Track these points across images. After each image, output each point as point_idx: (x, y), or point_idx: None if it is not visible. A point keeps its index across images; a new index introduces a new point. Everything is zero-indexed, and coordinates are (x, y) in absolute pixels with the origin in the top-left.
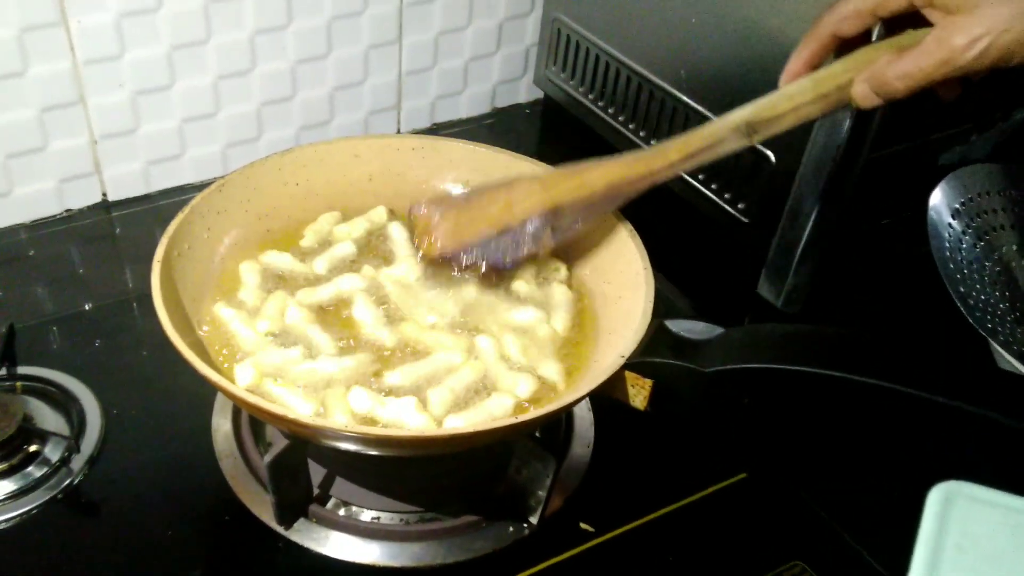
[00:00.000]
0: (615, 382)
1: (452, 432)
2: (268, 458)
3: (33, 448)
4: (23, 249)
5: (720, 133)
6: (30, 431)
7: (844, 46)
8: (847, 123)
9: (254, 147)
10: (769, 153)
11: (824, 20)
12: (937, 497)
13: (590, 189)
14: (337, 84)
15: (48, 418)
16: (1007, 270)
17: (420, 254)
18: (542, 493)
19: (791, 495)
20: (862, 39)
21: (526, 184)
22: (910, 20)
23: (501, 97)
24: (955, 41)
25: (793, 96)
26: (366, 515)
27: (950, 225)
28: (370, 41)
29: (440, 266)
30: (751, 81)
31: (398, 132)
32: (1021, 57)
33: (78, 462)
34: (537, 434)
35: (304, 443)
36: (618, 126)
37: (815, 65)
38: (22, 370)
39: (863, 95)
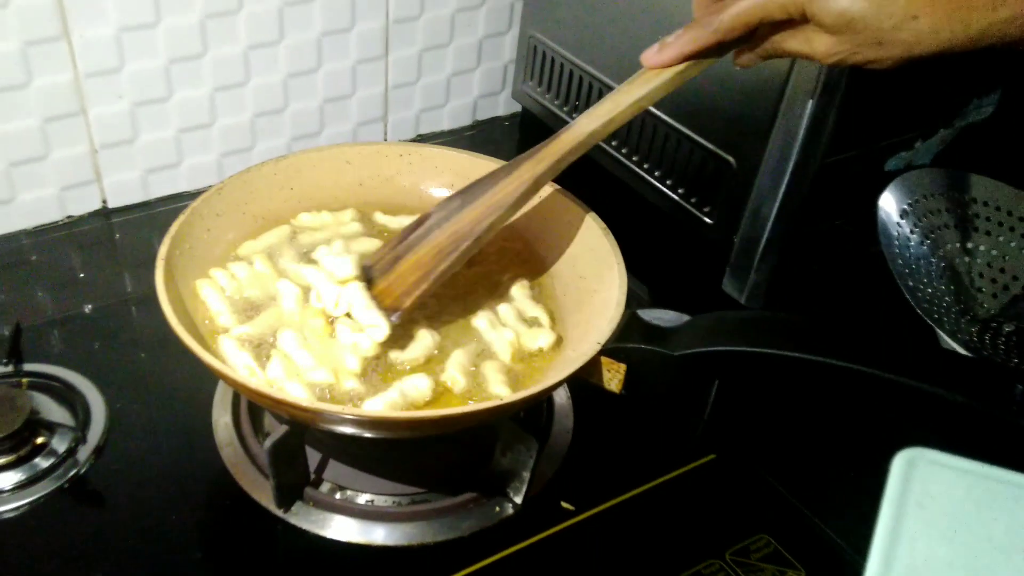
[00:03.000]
0: (592, 367)
1: (439, 414)
2: (268, 443)
3: (40, 440)
4: (26, 254)
5: (571, 143)
6: (37, 423)
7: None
8: (801, 130)
9: (248, 156)
10: (730, 159)
11: (711, 26)
12: (901, 461)
13: (501, 194)
14: (327, 97)
15: (54, 411)
16: (951, 266)
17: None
18: (526, 474)
19: (756, 474)
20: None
21: (440, 207)
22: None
23: (481, 110)
24: (818, 48)
25: (623, 110)
26: (360, 498)
27: (898, 225)
28: (358, 56)
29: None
30: (712, 94)
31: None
32: (868, 68)
33: (84, 453)
34: (520, 417)
35: (302, 428)
36: None
37: (688, 58)
38: (28, 367)
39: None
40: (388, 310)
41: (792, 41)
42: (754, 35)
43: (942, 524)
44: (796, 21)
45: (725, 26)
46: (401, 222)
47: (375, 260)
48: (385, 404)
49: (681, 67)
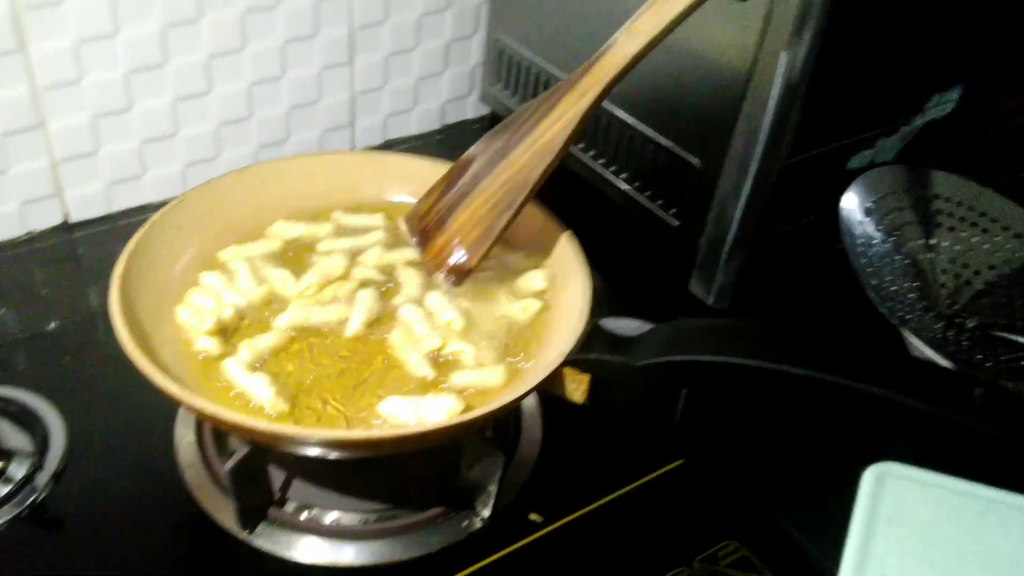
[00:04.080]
0: (555, 378)
1: (401, 433)
2: (229, 465)
3: None
4: None
5: (616, 72)
6: None
7: None
8: (763, 131)
9: (213, 165)
10: (694, 160)
11: None
12: (871, 476)
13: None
14: (292, 104)
15: (11, 437)
16: (915, 263)
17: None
18: (492, 488)
19: (724, 479)
20: None
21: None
22: None
23: (450, 114)
24: None
25: (665, 27)
26: (327, 516)
27: (861, 223)
28: (323, 63)
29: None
30: (674, 96)
31: (352, 148)
32: None
33: (42, 479)
34: (489, 432)
35: (264, 449)
36: None
37: None
38: None
39: None
40: (451, 271)
41: None
42: None
43: (912, 540)
44: None
45: None
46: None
47: (423, 211)
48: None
49: None
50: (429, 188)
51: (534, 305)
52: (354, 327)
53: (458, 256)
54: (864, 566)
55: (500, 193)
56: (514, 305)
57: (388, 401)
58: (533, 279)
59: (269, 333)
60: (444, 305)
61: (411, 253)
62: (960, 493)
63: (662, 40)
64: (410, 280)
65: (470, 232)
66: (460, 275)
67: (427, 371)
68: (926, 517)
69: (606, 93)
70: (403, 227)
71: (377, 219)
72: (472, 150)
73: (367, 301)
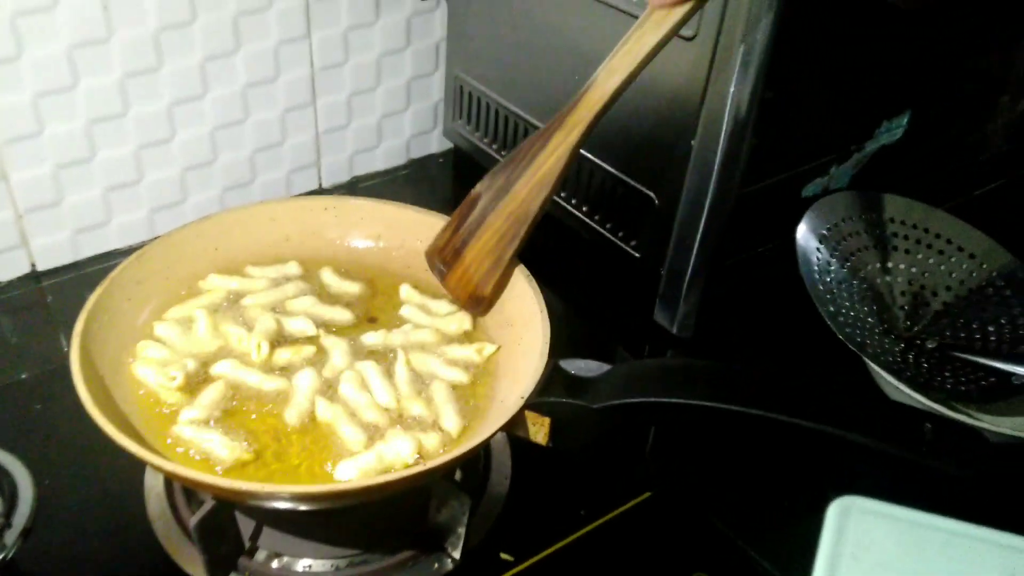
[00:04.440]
0: (517, 421)
1: (364, 484)
2: (195, 520)
3: None
4: None
5: (599, 108)
6: None
7: None
8: (716, 164)
9: (180, 210)
10: (651, 195)
11: None
12: (835, 511)
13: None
14: (257, 146)
15: None
16: (872, 286)
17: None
18: (461, 530)
19: (692, 510)
20: None
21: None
22: None
23: (415, 149)
24: None
25: (641, 61)
26: (298, 564)
27: (817, 250)
28: (285, 105)
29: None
30: (627, 130)
31: (319, 187)
32: None
33: (10, 536)
34: (458, 474)
35: (231, 503)
36: None
37: None
38: None
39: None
40: (470, 299)
41: None
42: None
43: (876, 574)
44: None
45: None
46: (341, 283)
47: (441, 245)
48: (359, 470)
49: (688, 5)
50: (445, 223)
51: (469, 365)
52: (291, 420)
53: (474, 286)
54: None
55: (506, 226)
56: (448, 371)
57: (341, 467)
58: (459, 321)
59: (213, 385)
60: (380, 386)
61: (337, 311)
62: (924, 526)
63: (638, 75)
64: (336, 347)
65: (482, 263)
66: (478, 304)
67: (362, 437)
68: (890, 550)
69: (592, 127)
70: (426, 261)
71: (293, 267)
72: (478, 187)
73: (307, 389)
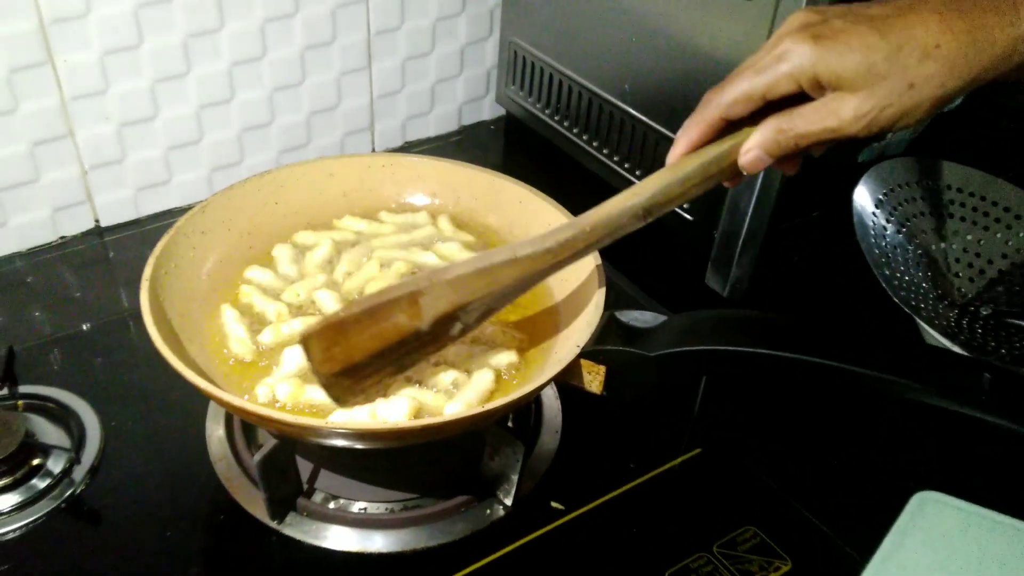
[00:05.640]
0: (572, 370)
1: (424, 423)
2: (258, 457)
3: (36, 462)
4: (21, 276)
5: (621, 220)
6: (32, 446)
7: (729, 127)
8: None
9: (237, 171)
10: None
11: (713, 103)
12: (916, 502)
13: (501, 284)
14: (312, 109)
15: (49, 433)
16: (927, 253)
17: (317, 376)
18: (514, 476)
19: (742, 467)
20: (748, 122)
21: (435, 287)
22: (796, 102)
23: (467, 115)
24: (844, 114)
25: (684, 181)
26: (354, 506)
27: (874, 215)
28: (341, 68)
29: (343, 383)
30: (683, 93)
31: (372, 151)
32: (902, 125)
33: (79, 473)
34: (509, 423)
35: (292, 441)
36: (573, 138)
37: (701, 145)
38: (23, 389)
39: (754, 160)
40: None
41: (811, 118)
42: (761, 115)
43: (937, 556)
44: (806, 97)
45: (727, 100)
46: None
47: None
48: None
49: (704, 158)
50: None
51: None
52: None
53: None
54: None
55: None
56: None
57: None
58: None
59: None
60: None
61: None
62: (997, 523)
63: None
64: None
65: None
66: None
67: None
68: (956, 538)
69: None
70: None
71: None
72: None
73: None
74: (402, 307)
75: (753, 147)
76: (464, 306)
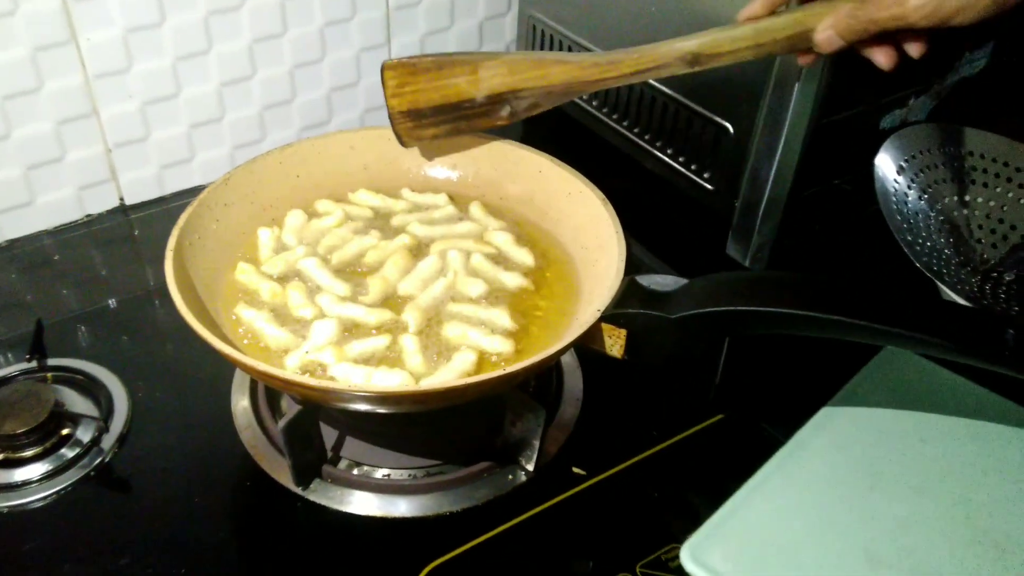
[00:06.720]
0: (593, 333)
1: (445, 386)
2: (282, 423)
3: (65, 431)
4: (48, 254)
5: (668, 58)
6: (62, 415)
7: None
8: (794, 95)
9: (259, 148)
10: (727, 124)
11: None
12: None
13: (549, 81)
14: (333, 86)
15: (78, 403)
16: (949, 219)
17: (388, 108)
18: (536, 442)
19: (763, 432)
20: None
21: (494, 64)
22: None
23: None
24: (910, 2)
25: (735, 40)
26: (377, 472)
27: (895, 181)
28: (361, 45)
29: (406, 123)
30: None
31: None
32: (959, 20)
33: (108, 441)
34: (530, 389)
35: (315, 408)
36: (593, 111)
37: (772, 10)
38: (52, 362)
39: (828, 40)
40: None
41: (880, 4)
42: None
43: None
44: None
45: None
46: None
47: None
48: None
49: (759, 25)
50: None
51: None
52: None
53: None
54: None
55: (509, 81)
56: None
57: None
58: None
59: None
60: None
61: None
62: (950, 378)
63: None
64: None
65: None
66: (408, 119)
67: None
68: (914, 384)
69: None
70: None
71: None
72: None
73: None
74: (464, 71)
75: (827, 27)
76: (516, 91)
